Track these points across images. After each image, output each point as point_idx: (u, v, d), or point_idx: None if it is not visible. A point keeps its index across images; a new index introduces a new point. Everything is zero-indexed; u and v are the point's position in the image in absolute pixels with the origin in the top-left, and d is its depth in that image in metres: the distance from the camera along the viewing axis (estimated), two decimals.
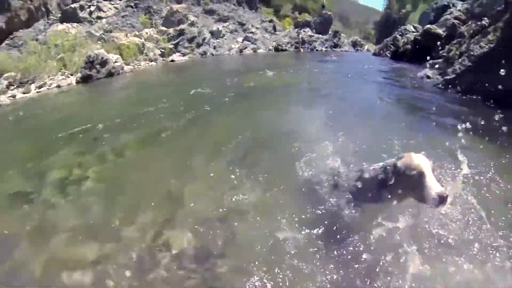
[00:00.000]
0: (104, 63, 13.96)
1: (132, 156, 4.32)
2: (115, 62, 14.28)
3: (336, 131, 3.98)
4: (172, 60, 16.14)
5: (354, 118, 5.16)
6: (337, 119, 4.98)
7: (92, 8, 18.80)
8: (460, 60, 8.30)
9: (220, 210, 2.69)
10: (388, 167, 2.17)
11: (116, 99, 9.75)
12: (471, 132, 2.71)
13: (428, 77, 9.86)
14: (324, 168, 2.93)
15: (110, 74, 13.83)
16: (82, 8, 18.86)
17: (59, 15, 18.65)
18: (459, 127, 2.65)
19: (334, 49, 25.61)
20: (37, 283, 2.10)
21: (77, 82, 13.57)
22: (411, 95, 7.65)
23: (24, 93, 13.57)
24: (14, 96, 13.21)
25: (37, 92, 13.41)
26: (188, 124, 5.45)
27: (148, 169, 3.78)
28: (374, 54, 21.18)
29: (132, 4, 19.70)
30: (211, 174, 3.35)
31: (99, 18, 18.19)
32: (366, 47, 31.36)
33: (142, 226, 2.60)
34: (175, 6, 20.85)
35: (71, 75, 14.12)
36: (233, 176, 3.17)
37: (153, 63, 15.54)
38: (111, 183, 3.56)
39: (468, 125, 2.56)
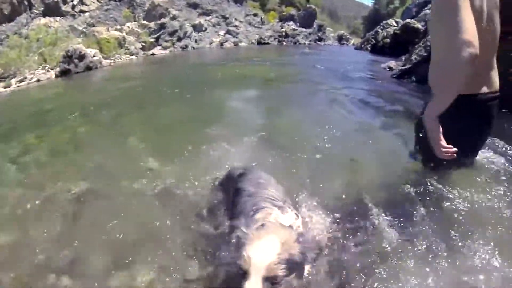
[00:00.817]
0: (82, 57, 14.29)
1: (84, 136, 4.99)
2: (93, 56, 14.63)
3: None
4: (153, 54, 16.50)
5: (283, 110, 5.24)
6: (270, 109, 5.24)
7: (75, 2, 19.02)
8: (417, 50, 8.60)
9: None
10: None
11: (89, 91, 10.16)
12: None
13: (390, 68, 10.29)
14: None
15: (88, 68, 14.17)
16: (65, 1, 19.09)
17: (42, 8, 18.87)
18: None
19: (318, 42, 25.92)
20: None
21: (56, 76, 13.91)
22: (362, 86, 7.70)
23: (5, 87, 13.95)
24: None
25: (18, 86, 13.78)
26: (145, 113, 5.86)
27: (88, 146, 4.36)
28: (356, 48, 21.57)
29: None
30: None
31: (82, 12, 18.45)
32: (352, 41, 31.64)
33: None
34: (157, 0, 21.05)
35: (51, 69, 14.45)
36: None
37: (133, 57, 15.89)
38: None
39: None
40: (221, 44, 20.16)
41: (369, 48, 19.08)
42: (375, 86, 7.87)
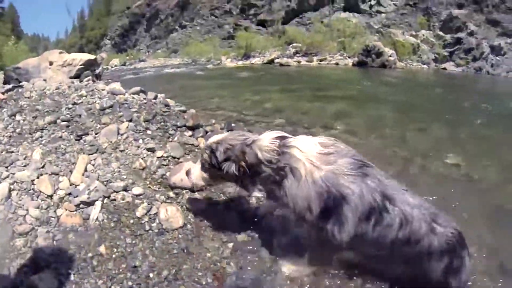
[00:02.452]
0: (379, 54, 14.70)
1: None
2: (390, 56, 14.79)
3: None
4: (444, 68, 15.21)
5: None
6: None
7: (373, 2, 20.05)
8: None
9: None
10: None
11: (384, 86, 9.50)
12: None
13: None
14: None
15: (383, 65, 14.45)
16: (363, 1, 20.49)
17: (343, 4, 21.02)
18: None
19: None
20: None
21: (353, 65, 15.08)
22: None
23: (307, 61, 16.57)
24: (299, 62, 16.41)
25: (318, 63, 16.04)
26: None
27: None
28: None
29: (411, 3, 19.61)
30: None
31: (379, 12, 19.24)
32: None
33: None
34: (456, 12, 19.17)
35: (349, 57, 15.90)
36: None
37: (425, 66, 15.19)
38: None
39: None
40: None
41: None
42: None
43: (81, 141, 2.30)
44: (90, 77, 4.30)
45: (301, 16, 22.06)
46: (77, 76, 5.00)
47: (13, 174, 1.92)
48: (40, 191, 1.82)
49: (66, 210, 1.75)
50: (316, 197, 1.33)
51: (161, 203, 1.86)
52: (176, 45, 30.67)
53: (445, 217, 1.48)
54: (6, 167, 1.98)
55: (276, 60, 16.76)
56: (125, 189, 1.89)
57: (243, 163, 1.40)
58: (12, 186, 1.83)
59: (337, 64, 15.87)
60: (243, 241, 1.80)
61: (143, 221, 1.75)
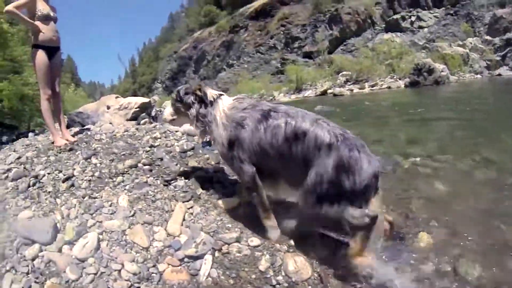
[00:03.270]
0: (431, 71, 15.43)
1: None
2: (441, 71, 15.44)
3: None
4: (499, 74, 15.58)
5: None
6: None
7: (413, 18, 21.14)
8: None
9: None
10: None
11: (444, 103, 9.16)
12: None
13: None
14: None
15: (436, 82, 14.94)
16: (403, 18, 21.65)
17: (383, 25, 22.40)
18: None
19: None
20: None
21: (405, 86, 15.86)
22: None
23: (359, 89, 17.87)
24: (351, 90, 17.59)
25: (370, 90, 17.20)
26: None
27: None
28: None
29: (452, 12, 20.27)
30: None
31: (420, 27, 20.27)
32: None
33: None
34: (499, 12, 19.44)
35: (399, 79, 17.01)
36: None
37: (478, 75, 15.61)
38: None
39: None
40: None
41: None
42: None
43: (171, 186, 2.22)
44: (147, 119, 4.41)
45: (345, 43, 23.75)
46: (134, 118, 5.24)
47: (100, 222, 1.84)
48: (134, 243, 1.71)
49: (169, 265, 1.62)
50: (224, 134, 1.84)
51: (284, 253, 1.75)
52: (225, 84, 32.91)
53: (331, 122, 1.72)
54: (91, 214, 1.91)
55: (329, 91, 17.80)
56: (237, 240, 1.77)
57: (198, 92, 1.94)
58: (101, 236, 1.74)
59: (389, 87, 16.44)
60: (378, 283, 1.68)
61: (268, 275, 1.61)
